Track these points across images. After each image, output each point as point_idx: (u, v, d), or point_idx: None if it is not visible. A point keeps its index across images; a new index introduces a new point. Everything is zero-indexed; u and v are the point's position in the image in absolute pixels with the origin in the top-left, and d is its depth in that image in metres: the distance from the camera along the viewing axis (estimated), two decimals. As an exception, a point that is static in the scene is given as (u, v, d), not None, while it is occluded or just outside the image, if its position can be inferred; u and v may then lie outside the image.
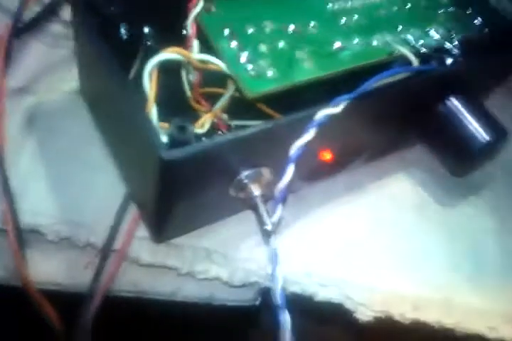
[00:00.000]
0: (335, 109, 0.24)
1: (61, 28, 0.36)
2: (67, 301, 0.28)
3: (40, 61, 0.34)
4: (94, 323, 0.28)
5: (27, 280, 0.27)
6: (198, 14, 0.27)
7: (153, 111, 0.25)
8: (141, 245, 0.29)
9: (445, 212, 0.32)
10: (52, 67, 0.34)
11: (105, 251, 0.28)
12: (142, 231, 0.29)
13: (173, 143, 0.23)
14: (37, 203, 0.29)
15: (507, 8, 0.35)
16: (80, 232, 0.29)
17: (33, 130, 0.31)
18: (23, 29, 0.32)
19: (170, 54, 0.25)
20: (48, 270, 0.29)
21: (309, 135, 0.24)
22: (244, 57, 0.26)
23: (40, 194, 0.29)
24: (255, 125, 0.23)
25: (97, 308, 0.28)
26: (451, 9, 0.32)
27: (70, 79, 0.33)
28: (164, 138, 0.23)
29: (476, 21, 0.32)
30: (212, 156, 0.23)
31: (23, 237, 0.28)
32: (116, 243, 0.28)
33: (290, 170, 0.24)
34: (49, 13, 0.34)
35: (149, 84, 0.25)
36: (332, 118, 0.24)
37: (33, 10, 0.34)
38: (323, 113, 0.24)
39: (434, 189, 0.33)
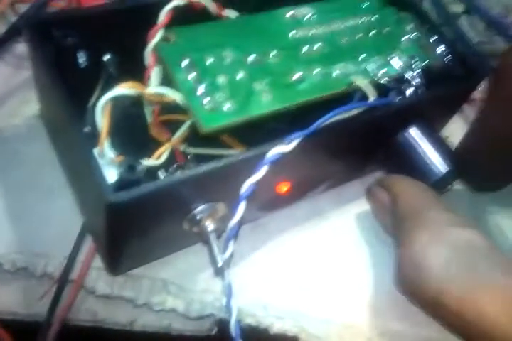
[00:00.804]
0: (287, 146, 0.24)
1: (25, 48, 0.35)
2: (24, 330, 0.28)
3: (3, 83, 0.34)
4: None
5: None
6: (157, 44, 0.27)
7: (105, 148, 0.24)
8: (98, 276, 0.29)
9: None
10: (16, 89, 0.34)
11: (62, 281, 0.28)
12: (99, 262, 0.29)
13: (122, 183, 0.22)
14: (-7, 232, 0.29)
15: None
16: (36, 262, 0.29)
17: (-7, 155, 0.31)
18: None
19: (124, 89, 0.25)
20: (4, 299, 0.29)
21: (260, 173, 0.24)
22: (201, 89, 0.26)
23: (-3, 222, 0.29)
24: (204, 165, 0.23)
25: (54, 337, 0.28)
26: (414, 36, 0.32)
27: (33, 102, 0.33)
28: (114, 176, 0.23)
29: (438, 49, 0.32)
30: (161, 196, 0.23)
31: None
32: (73, 273, 0.28)
33: (241, 208, 0.24)
34: (14, 33, 0.34)
35: (102, 120, 0.24)
36: (285, 155, 0.24)
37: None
38: (274, 151, 0.24)
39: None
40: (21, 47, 0.35)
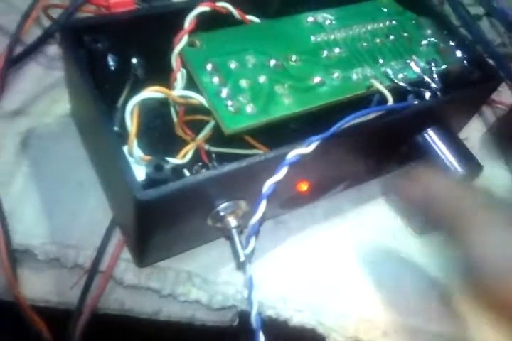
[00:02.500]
0: (307, 148, 0.25)
1: (57, 49, 0.37)
2: (57, 317, 0.30)
3: (36, 83, 0.36)
4: (82, 338, 0.29)
5: (18, 296, 0.29)
6: (183, 49, 0.28)
7: (134, 148, 0.26)
8: (126, 267, 0.30)
9: (420, 238, 0.33)
10: (48, 89, 0.36)
11: (91, 272, 0.30)
12: (127, 254, 0.30)
13: (150, 181, 0.24)
14: (29, 224, 0.31)
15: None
16: (68, 253, 0.30)
17: (27, 152, 0.33)
18: (21, 55, 0.33)
19: (151, 92, 0.26)
20: (39, 287, 0.30)
21: (281, 173, 0.25)
22: (224, 92, 0.27)
23: (32, 215, 0.31)
24: (228, 164, 0.25)
25: (84, 325, 0.29)
26: (433, 40, 0.33)
27: (64, 101, 0.34)
28: (142, 174, 0.24)
29: (457, 53, 0.32)
30: (187, 194, 0.24)
31: (16, 256, 0.30)
32: (102, 264, 0.30)
33: (262, 206, 0.25)
34: (47, 37, 0.35)
35: (131, 122, 0.26)
36: (304, 156, 0.25)
37: (31, 31, 0.35)
38: (294, 153, 0.25)
39: (410, 215, 0.34)
40: (53, 49, 0.37)
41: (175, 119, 0.30)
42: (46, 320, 0.29)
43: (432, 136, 0.31)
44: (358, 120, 0.27)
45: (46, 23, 0.35)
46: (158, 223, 0.25)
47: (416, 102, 0.29)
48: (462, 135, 0.34)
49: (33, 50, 0.33)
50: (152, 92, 0.26)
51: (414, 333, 0.30)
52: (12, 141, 0.33)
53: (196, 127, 0.30)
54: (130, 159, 0.26)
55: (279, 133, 0.29)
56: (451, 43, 0.33)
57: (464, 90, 0.31)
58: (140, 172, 0.25)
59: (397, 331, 0.30)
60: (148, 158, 0.26)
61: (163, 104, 0.29)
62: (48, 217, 0.31)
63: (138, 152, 0.27)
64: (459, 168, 0.31)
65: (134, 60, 0.31)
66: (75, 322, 0.29)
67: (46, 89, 0.36)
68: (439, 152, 0.31)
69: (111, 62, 0.30)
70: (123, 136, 0.26)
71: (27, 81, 0.36)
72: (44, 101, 0.35)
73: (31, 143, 0.33)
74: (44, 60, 0.37)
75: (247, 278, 0.27)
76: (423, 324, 0.30)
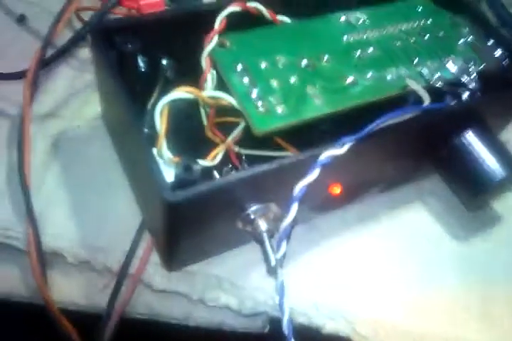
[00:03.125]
0: (339, 150, 0.24)
1: (88, 52, 0.37)
2: (86, 321, 0.30)
3: (67, 86, 0.36)
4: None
5: (48, 299, 0.28)
6: (213, 49, 0.28)
7: (163, 149, 0.25)
8: (155, 271, 0.30)
9: (459, 245, 0.32)
10: (79, 91, 0.36)
11: (121, 276, 0.30)
12: (156, 258, 0.30)
13: (179, 182, 0.23)
14: (59, 227, 0.30)
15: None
16: (97, 256, 0.30)
17: (58, 155, 0.33)
18: (52, 57, 0.33)
19: (181, 93, 0.26)
20: (68, 291, 0.31)
21: (313, 175, 0.24)
22: (255, 93, 0.27)
23: (62, 218, 0.31)
24: (258, 166, 0.24)
25: (113, 329, 0.29)
26: (470, 39, 0.32)
27: (94, 104, 0.34)
28: (171, 175, 0.24)
29: (496, 53, 0.31)
30: (217, 196, 0.24)
31: (46, 259, 0.30)
32: (131, 268, 0.30)
33: (294, 209, 0.24)
34: (78, 39, 0.35)
35: (160, 122, 0.26)
36: (337, 158, 0.25)
37: (63, 34, 0.35)
38: (327, 154, 0.24)
39: (449, 221, 0.33)
40: (84, 52, 0.37)
41: (205, 121, 0.30)
42: (75, 323, 0.28)
43: (470, 137, 0.30)
44: (392, 121, 0.26)
45: (78, 25, 0.36)
46: (187, 225, 0.25)
47: (453, 103, 0.28)
48: (502, 138, 0.33)
49: (65, 52, 0.33)
50: (182, 93, 0.26)
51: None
52: (43, 143, 0.33)
53: (226, 129, 0.29)
54: (160, 161, 0.25)
55: (309, 135, 0.29)
56: (490, 42, 0.32)
57: (504, 90, 0.30)
58: (169, 174, 0.24)
59: (432, 339, 0.29)
60: (177, 159, 0.25)
61: (193, 105, 0.29)
62: (78, 219, 0.31)
63: (167, 153, 0.26)
64: (499, 171, 0.29)
65: (164, 62, 0.31)
66: (103, 326, 0.29)
67: (77, 91, 0.36)
68: (478, 155, 0.30)
69: (141, 64, 0.30)
70: (153, 138, 0.26)
71: (58, 84, 0.36)
72: (75, 104, 0.35)
73: (62, 145, 0.33)
74: (76, 63, 0.37)
75: (278, 284, 0.26)
76: (462, 334, 0.29)
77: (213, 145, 0.29)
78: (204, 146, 0.29)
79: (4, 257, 0.31)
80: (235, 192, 0.24)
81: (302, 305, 0.29)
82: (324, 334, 0.29)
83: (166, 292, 0.30)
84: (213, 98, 0.27)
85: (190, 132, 0.31)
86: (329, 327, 0.29)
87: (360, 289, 0.30)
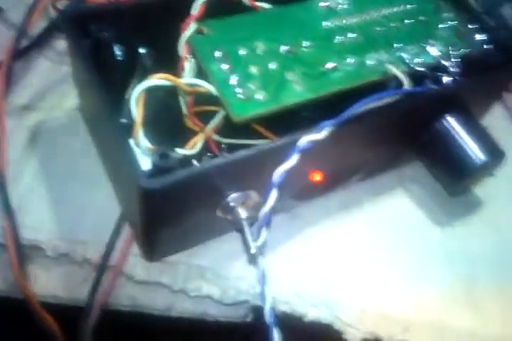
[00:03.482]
0: (318, 135, 0.24)
1: (65, 43, 0.36)
2: (67, 314, 0.29)
3: (44, 77, 0.35)
4: (93, 335, 0.28)
5: (28, 292, 0.28)
6: (191, 36, 0.28)
7: (139, 137, 0.25)
8: (136, 262, 0.29)
9: (442, 231, 0.32)
10: (56, 83, 0.35)
11: (101, 268, 0.29)
12: (137, 249, 0.29)
13: (156, 170, 0.23)
14: (37, 219, 0.30)
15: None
16: (77, 249, 0.30)
17: (36, 147, 0.32)
18: (27, 47, 0.33)
19: (157, 80, 0.25)
20: (48, 283, 0.30)
21: (292, 161, 0.24)
22: (234, 80, 0.26)
23: (40, 210, 0.30)
24: (237, 153, 0.24)
25: (94, 321, 0.29)
26: (452, 24, 0.32)
27: (72, 96, 0.34)
28: (149, 164, 0.24)
29: (477, 37, 0.31)
30: (195, 183, 0.23)
31: (24, 252, 0.29)
32: (112, 259, 0.29)
33: (273, 196, 0.24)
34: (54, 29, 0.35)
35: (136, 110, 0.25)
36: (316, 143, 0.24)
37: (37, 25, 0.34)
38: (305, 139, 0.24)
39: (432, 206, 0.33)
40: (62, 44, 0.37)
41: (184, 110, 0.29)
42: (56, 316, 0.28)
43: (452, 122, 0.30)
44: (372, 105, 0.25)
45: (55, 16, 0.35)
46: (165, 214, 0.25)
47: (434, 87, 0.28)
48: (484, 123, 0.33)
49: (40, 42, 0.32)
50: (158, 80, 0.25)
51: (437, 329, 0.29)
52: (21, 135, 0.32)
53: (205, 118, 0.29)
54: (137, 150, 0.25)
55: (290, 122, 0.28)
56: (470, 26, 0.31)
57: (485, 74, 0.29)
58: (147, 164, 0.24)
59: (419, 327, 0.29)
60: (154, 147, 0.25)
61: (172, 94, 0.28)
62: (56, 211, 0.30)
63: (145, 143, 0.26)
64: (480, 156, 0.29)
65: (142, 50, 0.30)
66: (85, 318, 0.29)
67: (55, 83, 0.35)
68: (459, 140, 0.30)
69: (118, 53, 0.29)
70: (131, 129, 0.26)
71: (35, 75, 0.35)
72: (52, 96, 0.35)
73: (40, 137, 0.33)
74: (52, 54, 0.36)
75: (259, 272, 0.26)
76: (447, 319, 0.29)
77: (193, 134, 0.29)
78: (184, 136, 0.29)
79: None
80: (213, 179, 0.24)
81: (284, 294, 0.29)
82: (307, 322, 0.29)
83: (147, 283, 0.30)
84: (191, 85, 0.26)
85: (169, 122, 0.30)
86: (311, 315, 0.29)
87: (343, 277, 0.30)
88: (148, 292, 0.30)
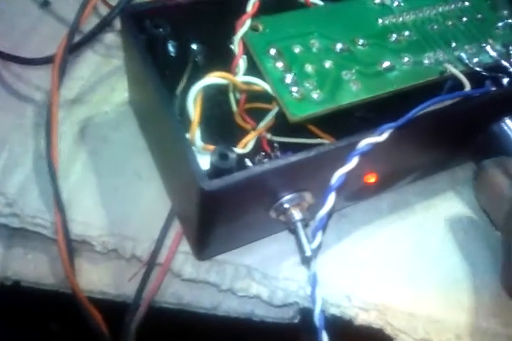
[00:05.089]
0: (379, 138, 0.24)
1: (115, 37, 0.36)
2: (114, 309, 0.29)
3: (94, 71, 0.35)
4: (138, 332, 0.28)
5: (76, 287, 0.28)
6: (246, 33, 0.27)
7: (196, 137, 0.25)
8: (185, 260, 0.29)
9: (496, 234, 0.31)
10: (105, 77, 0.35)
11: (150, 264, 0.29)
12: (186, 246, 0.29)
13: (215, 171, 0.23)
14: (87, 215, 0.30)
15: None
16: (126, 245, 0.30)
17: (85, 141, 0.32)
18: (79, 42, 0.33)
19: (214, 78, 0.25)
20: (96, 279, 0.30)
21: (352, 164, 0.24)
22: (289, 78, 0.26)
23: (89, 205, 0.30)
24: (295, 154, 0.23)
25: (141, 318, 0.29)
26: (510, 22, 0.31)
27: (122, 90, 0.34)
28: (206, 163, 0.23)
29: (537, 36, 0.30)
30: (252, 184, 0.23)
31: (74, 247, 0.29)
32: (160, 257, 0.29)
33: (331, 199, 0.24)
34: (105, 25, 0.35)
35: (193, 109, 0.25)
36: (376, 146, 0.24)
37: (90, 21, 0.34)
38: (366, 142, 0.23)
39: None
40: (110, 37, 0.36)
41: (234, 108, 0.29)
42: (103, 312, 0.28)
43: (509, 125, 0.29)
44: (433, 107, 0.25)
45: (102, 10, 0.35)
46: (220, 214, 0.24)
47: (494, 88, 0.27)
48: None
49: (92, 37, 0.32)
50: (216, 78, 0.25)
51: (490, 337, 0.28)
52: (70, 129, 0.32)
53: (256, 116, 0.29)
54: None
55: (343, 122, 0.28)
56: (531, 25, 0.30)
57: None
58: (202, 163, 0.24)
59: (471, 334, 0.28)
60: (211, 147, 0.25)
61: (222, 91, 0.28)
62: (106, 207, 0.30)
63: (199, 141, 0.26)
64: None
65: (194, 46, 0.30)
66: (131, 315, 0.29)
67: (104, 77, 0.35)
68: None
69: (171, 49, 0.29)
70: (183, 125, 0.26)
71: (85, 69, 0.35)
72: (102, 90, 0.35)
73: (89, 131, 0.33)
74: (102, 48, 0.36)
75: (310, 274, 0.26)
76: (500, 327, 0.28)
77: (242, 132, 0.28)
78: (234, 134, 0.28)
79: (33, 245, 0.30)
80: (270, 180, 0.24)
81: (334, 296, 0.29)
82: (356, 326, 0.29)
83: (195, 281, 0.30)
84: (247, 83, 0.26)
85: (218, 119, 0.30)
86: (361, 318, 0.28)
87: (394, 280, 0.29)
88: (195, 290, 0.30)
